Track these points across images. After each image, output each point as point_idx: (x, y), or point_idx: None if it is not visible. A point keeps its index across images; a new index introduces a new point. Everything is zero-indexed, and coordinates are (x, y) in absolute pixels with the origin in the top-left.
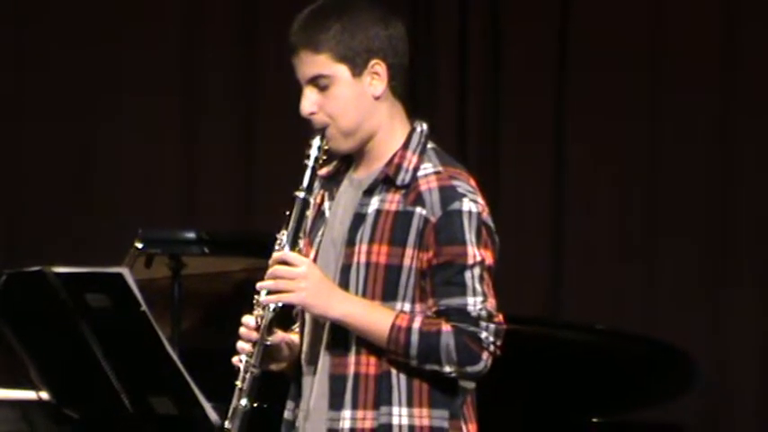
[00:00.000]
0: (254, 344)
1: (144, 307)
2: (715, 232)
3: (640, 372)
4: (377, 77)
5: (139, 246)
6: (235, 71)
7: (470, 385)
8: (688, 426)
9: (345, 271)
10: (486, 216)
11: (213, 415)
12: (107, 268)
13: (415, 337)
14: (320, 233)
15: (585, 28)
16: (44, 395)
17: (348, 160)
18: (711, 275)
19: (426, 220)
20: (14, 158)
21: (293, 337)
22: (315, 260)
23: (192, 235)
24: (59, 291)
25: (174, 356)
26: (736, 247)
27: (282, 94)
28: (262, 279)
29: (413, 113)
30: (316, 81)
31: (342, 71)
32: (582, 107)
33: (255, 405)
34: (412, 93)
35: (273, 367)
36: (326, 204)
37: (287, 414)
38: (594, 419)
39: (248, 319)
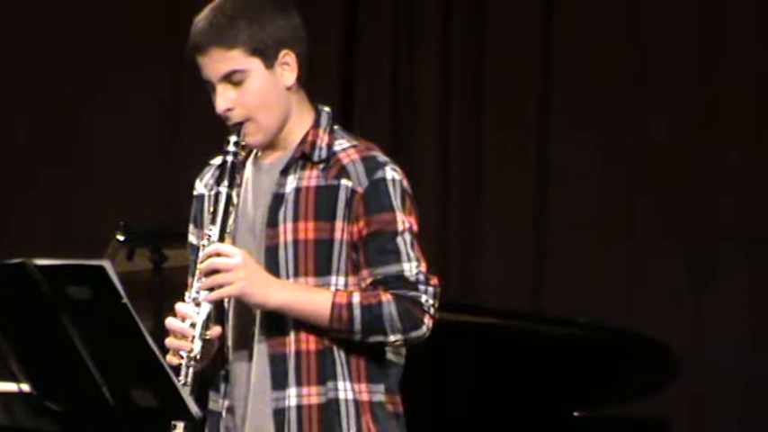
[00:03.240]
0: (192, 339)
1: (126, 299)
2: (698, 221)
3: (621, 365)
4: (287, 68)
5: (121, 238)
6: None
7: (402, 360)
8: (669, 418)
9: (272, 252)
10: (406, 184)
11: (194, 408)
12: (89, 260)
13: (357, 312)
14: (231, 221)
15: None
16: (25, 387)
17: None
18: (694, 265)
19: (353, 191)
20: None
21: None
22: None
23: (173, 227)
24: (40, 283)
25: (156, 349)
26: (720, 239)
27: None
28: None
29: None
30: (229, 77)
31: (255, 64)
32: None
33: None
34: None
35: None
36: (233, 192)
37: (212, 405)
38: (576, 413)
39: (184, 309)
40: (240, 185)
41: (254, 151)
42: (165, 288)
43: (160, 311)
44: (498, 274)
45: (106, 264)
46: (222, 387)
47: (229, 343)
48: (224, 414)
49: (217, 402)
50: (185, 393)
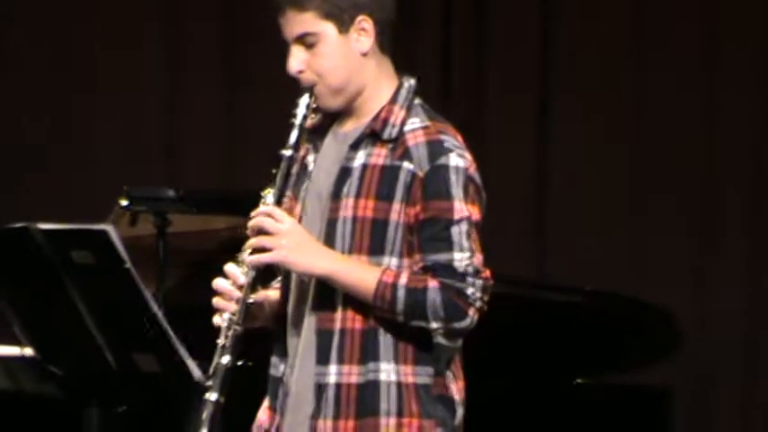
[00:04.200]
0: (237, 301)
1: (129, 264)
2: (702, 194)
3: (625, 333)
4: (364, 33)
5: (124, 203)
6: (220, 34)
7: (457, 344)
8: (672, 387)
9: (331, 225)
10: (473, 171)
11: (197, 372)
12: (92, 225)
13: (401, 293)
14: (304, 187)
15: None
16: (28, 351)
17: (333, 114)
18: (697, 237)
19: (414, 175)
20: None
21: (273, 293)
22: (300, 213)
23: (176, 193)
24: (44, 247)
25: (159, 314)
26: (724, 210)
27: (267, 53)
28: (246, 237)
29: (397, 66)
30: (302, 39)
31: (328, 28)
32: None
33: (240, 363)
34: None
35: (254, 325)
36: (310, 158)
37: (272, 371)
38: (580, 381)
39: (232, 270)
40: (318, 151)
41: (337, 118)
42: (169, 253)
43: (163, 277)
44: (502, 250)
45: (109, 228)
46: (282, 354)
47: (288, 312)
48: (284, 379)
49: (277, 368)
50: (188, 358)
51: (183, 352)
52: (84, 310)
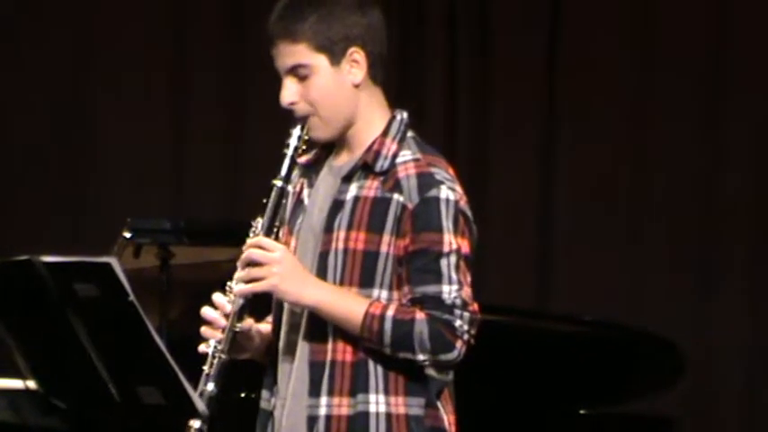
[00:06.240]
0: (224, 330)
1: (132, 296)
2: (701, 218)
3: (628, 363)
4: (356, 65)
5: (128, 235)
6: (223, 63)
7: (448, 376)
8: (676, 417)
9: (323, 258)
10: (463, 204)
11: (201, 405)
12: (95, 257)
13: (388, 325)
14: (299, 221)
15: None
16: (31, 384)
17: (328, 148)
18: (698, 260)
19: (404, 207)
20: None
21: (265, 326)
22: (295, 247)
23: (180, 224)
24: (47, 280)
25: (162, 346)
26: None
27: (272, 83)
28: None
29: (403, 93)
30: (295, 71)
31: (321, 60)
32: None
33: (243, 395)
34: (401, 66)
35: (242, 355)
36: (305, 192)
37: (263, 404)
38: (582, 411)
39: (219, 299)
40: (313, 185)
41: (332, 152)
42: (172, 285)
43: (166, 309)
44: (503, 274)
45: (113, 261)
46: (273, 386)
47: (280, 343)
48: (274, 413)
49: (268, 402)
50: (191, 391)
51: (186, 384)
52: (87, 343)
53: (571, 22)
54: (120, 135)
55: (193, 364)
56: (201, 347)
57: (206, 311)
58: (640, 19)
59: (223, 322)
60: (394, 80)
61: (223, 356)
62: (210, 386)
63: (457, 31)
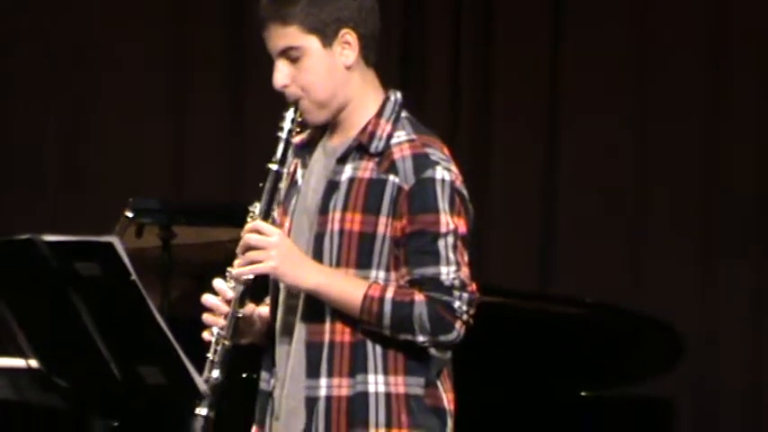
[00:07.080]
0: (226, 316)
1: (134, 276)
2: (704, 207)
3: (628, 345)
4: (348, 47)
5: (130, 215)
6: (223, 45)
7: (447, 355)
8: (673, 399)
9: (319, 239)
10: (459, 184)
11: (202, 385)
12: (98, 237)
13: (387, 307)
14: (294, 201)
15: None
16: (33, 363)
17: (322, 129)
18: (703, 245)
19: (399, 188)
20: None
21: (264, 309)
22: (290, 228)
23: (182, 204)
24: (49, 259)
25: (164, 326)
26: (729, 220)
27: (271, 66)
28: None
29: (406, 71)
30: (287, 53)
31: (312, 42)
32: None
33: (245, 376)
34: (405, 51)
35: (244, 340)
36: (300, 173)
37: (262, 385)
38: (583, 393)
39: (220, 285)
40: (307, 166)
41: (326, 133)
42: (174, 265)
43: (168, 288)
44: (504, 263)
45: (115, 240)
46: (271, 367)
47: (277, 324)
48: (273, 393)
49: (267, 383)
50: (193, 370)
51: (187, 364)
52: (88, 322)
53: (575, 10)
54: (121, 116)
55: (195, 344)
56: (205, 335)
57: (207, 298)
58: (643, 7)
59: (225, 308)
60: (397, 68)
61: (227, 343)
62: (216, 373)
63: (461, 19)
